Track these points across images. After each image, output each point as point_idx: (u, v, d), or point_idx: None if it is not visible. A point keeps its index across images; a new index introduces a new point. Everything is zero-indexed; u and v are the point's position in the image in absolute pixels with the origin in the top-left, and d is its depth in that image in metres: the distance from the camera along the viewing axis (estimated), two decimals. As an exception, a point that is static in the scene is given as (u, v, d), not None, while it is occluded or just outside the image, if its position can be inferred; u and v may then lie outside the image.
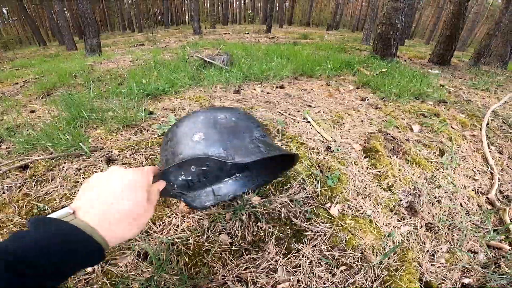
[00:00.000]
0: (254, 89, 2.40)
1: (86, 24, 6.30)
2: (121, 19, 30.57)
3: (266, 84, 2.61)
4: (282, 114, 1.82)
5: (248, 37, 9.95)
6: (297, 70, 3.19)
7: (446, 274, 1.04)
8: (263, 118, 1.70)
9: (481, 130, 2.13)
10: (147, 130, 1.55)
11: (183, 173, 1.01)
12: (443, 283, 1.01)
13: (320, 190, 1.20)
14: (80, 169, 1.31)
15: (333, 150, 1.46)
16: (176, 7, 40.85)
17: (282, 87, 2.52)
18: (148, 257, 0.94)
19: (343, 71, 3.48)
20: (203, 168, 1.06)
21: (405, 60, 5.50)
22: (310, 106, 2.05)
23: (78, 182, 1.25)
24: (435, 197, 1.37)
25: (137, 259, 0.94)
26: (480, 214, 1.36)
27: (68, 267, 0.36)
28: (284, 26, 24.68)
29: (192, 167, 1.03)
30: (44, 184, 1.25)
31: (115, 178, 0.46)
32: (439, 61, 5.24)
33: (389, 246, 1.08)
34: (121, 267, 0.91)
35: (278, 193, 1.17)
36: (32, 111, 2.24)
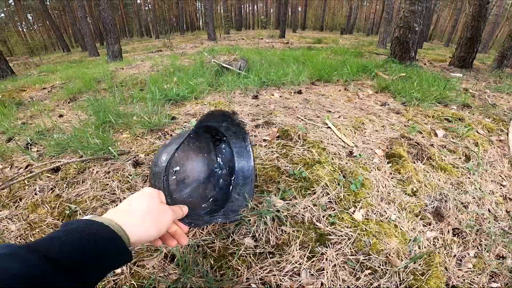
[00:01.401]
0: (272, 95, 2.42)
1: (108, 31, 6.58)
2: (139, 25, 31.66)
3: (284, 90, 2.63)
4: (302, 120, 1.83)
5: (262, 42, 10.04)
6: (313, 75, 3.19)
7: (474, 279, 1.03)
8: (283, 123, 1.72)
9: (508, 135, 2.06)
10: (171, 135, 1.60)
11: (201, 211, 1.08)
12: (471, 287, 1.00)
13: (343, 195, 1.19)
14: (109, 172, 1.37)
15: (355, 156, 1.46)
16: (190, 13, 41.81)
17: (300, 92, 2.53)
18: (175, 259, 0.96)
19: (361, 76, 3.44)
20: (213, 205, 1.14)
21: (424, 64, 5.38)
22: (330, 111, 2.05)
23: (107, 184, 1.30)
24: (462, 203, 1.35)
25: (164, 261, 0.97)
26: (508, 219, 1.33)
27: (96, 255, 0.39)
28: (297, 31, 24.69)
29: (204, 205, 1.11)
30: (75, 186, 1.31)
31: (133, 194, 0.56)
32: (461, 64, 5.07)
33: (415, 250, 1.07)
34: (148, 268, 0.94)
35: (301, 197, 1.17)
36: (60, 116, 2.35)
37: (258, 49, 6.14)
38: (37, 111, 2.50)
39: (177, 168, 1.12)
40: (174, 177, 1.10)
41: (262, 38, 12.31)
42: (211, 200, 1.15)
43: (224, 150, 1.22)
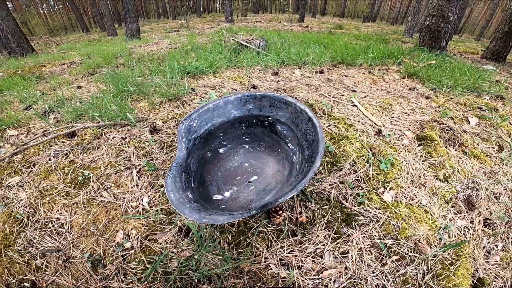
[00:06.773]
0: (293, 73, 2.32)
1: (127, 9, 6.51)
2: (156, 6, 31.42)
3: (305, 69, 2.51)
4: (326, 97, 1.73)
5: (280, 25, 9.71)
6: (335, 58, 3.05)
7: (499, 272, 0.99)
8: (306, 99, 1.63)
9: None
10: (189, 104, 1.55)
11: None
12: (495, 280, 0.96)
13: (372, 174, 1.11)
14: (126, 138, 1.33)
15: (384, 135, 1.36)
16: (208, -5, 40.95)
17: (322, 72, 2.42)
18: (190, 233, 0.91)
19: (386, 61, 3.27)
20: None
21: (454, 55, 5.09)
22: (354, 91, 1.94)
23: (123, 150, 1.27)
24: (494, 193, 1.27)
25: (177, 235, 0.92)
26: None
27: None
28: (316, 17, 23.78)
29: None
30: (90, 152, 1.28)
31: None
32: (494, 57, 4.88)
33: (445, 238, 1.00)
34: (160, 243, 0.89)
35: (327, 172, 1.10)
36: (79, 87, 2.34)
37: (277, 31, 5.94)
38: (56, 84, 2.50)
39: (255, 177, 0.98)
40: (253, 187, 0.97)
41: (280, 22, 11.92)
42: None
43: (284, 132, 0.99)
